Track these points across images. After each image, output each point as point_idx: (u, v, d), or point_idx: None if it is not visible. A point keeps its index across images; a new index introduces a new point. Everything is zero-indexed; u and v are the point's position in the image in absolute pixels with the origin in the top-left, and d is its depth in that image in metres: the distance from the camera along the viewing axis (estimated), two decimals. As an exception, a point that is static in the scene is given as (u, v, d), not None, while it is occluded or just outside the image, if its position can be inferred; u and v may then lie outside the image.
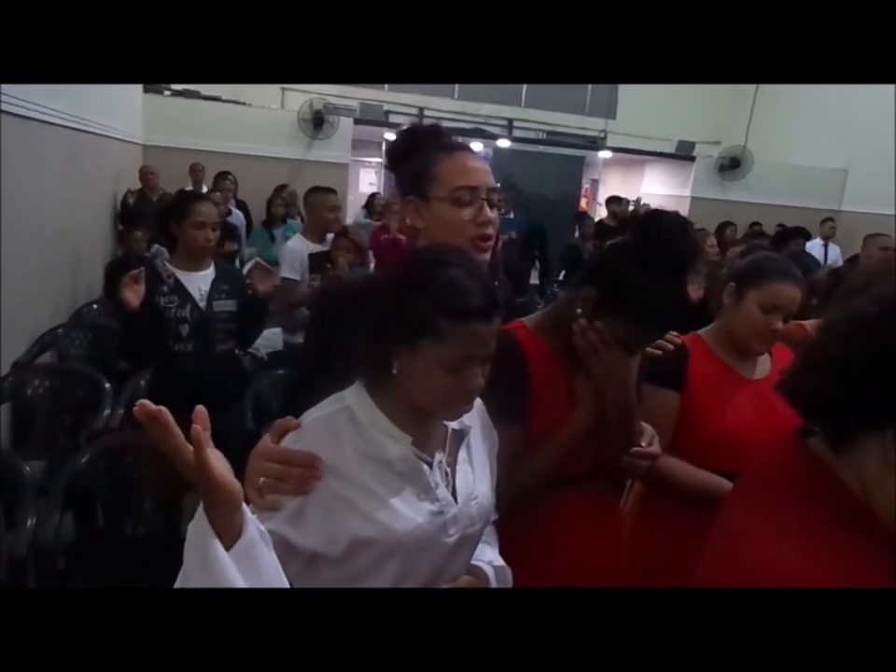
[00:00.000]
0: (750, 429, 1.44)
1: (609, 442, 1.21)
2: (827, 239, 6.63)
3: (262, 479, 0.89)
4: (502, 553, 1.11)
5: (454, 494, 0.98)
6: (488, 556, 1.07)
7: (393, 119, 9.18)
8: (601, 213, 10.11)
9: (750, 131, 9.05)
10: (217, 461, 0.67)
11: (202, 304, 2.32)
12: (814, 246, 6.43)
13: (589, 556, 1.24)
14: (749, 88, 9.01)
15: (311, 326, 1.26)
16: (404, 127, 1.28)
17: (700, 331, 1.61)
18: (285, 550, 0.84)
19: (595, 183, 10.60)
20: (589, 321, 1.15)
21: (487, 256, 1.16)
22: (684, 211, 8.08)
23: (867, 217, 7.65)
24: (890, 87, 7.04)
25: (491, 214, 1.14)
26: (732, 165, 8.57)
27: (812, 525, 0.60)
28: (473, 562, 1.04)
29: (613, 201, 6.65)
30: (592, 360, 1.16)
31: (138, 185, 5.51)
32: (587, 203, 10.16)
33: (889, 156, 7.36)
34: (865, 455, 0.61)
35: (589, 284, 1.15)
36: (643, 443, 1.24)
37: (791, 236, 4.83)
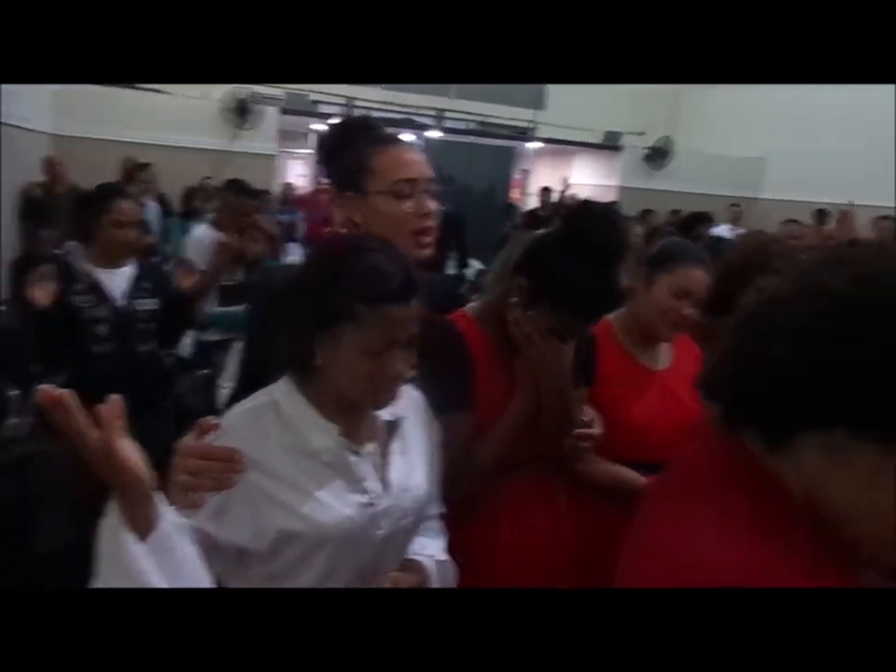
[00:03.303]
0: (659, 421, 1.44)
1: (547, 427, 1.23)
2: (734, 223, 6.81)
3: (181, 476, 0.87)
4: (449, 542, 1.11)
5: (387, 486, 0.97)
6: (430, 550, 1.06)
7: (321, 109, 9.00)
8: (532, 203, 10.24)
9: (674, 121, 9.30)
10: (127, 446, 0.65)
11: (121, 303, 2.20)
12: (724, 231, 6.65)
13: (533, 540, 1.26)
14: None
15: (250, 328, 1.25)
16: (335, 120, 1.28)
17: (609, 317, 1.57)
18: (209, 547, 0.83)
19: (525, 173, 10.69)
20: (522, 310, 1.16)
21: (428, 249, 1.16)
22: (612, 199, 8.27)
23: (783, 203, 8.01)
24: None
25: (431, 205, 1.14)
26: (657, 155, 8.80)
27: (740, 517, 0.57)
28: (414, 556, 1.03)
29: (544, 191, 6.74)
30: (526, 348, 1.18)
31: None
32: (518, 193, 10.24)
33: (804, 144, 7.71)
34: (807, 453, 0.56)
35: (522, 273, 1.17)
36: (586, 428, 1.28)
37: (700, 221, 5.01)
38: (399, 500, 0.98)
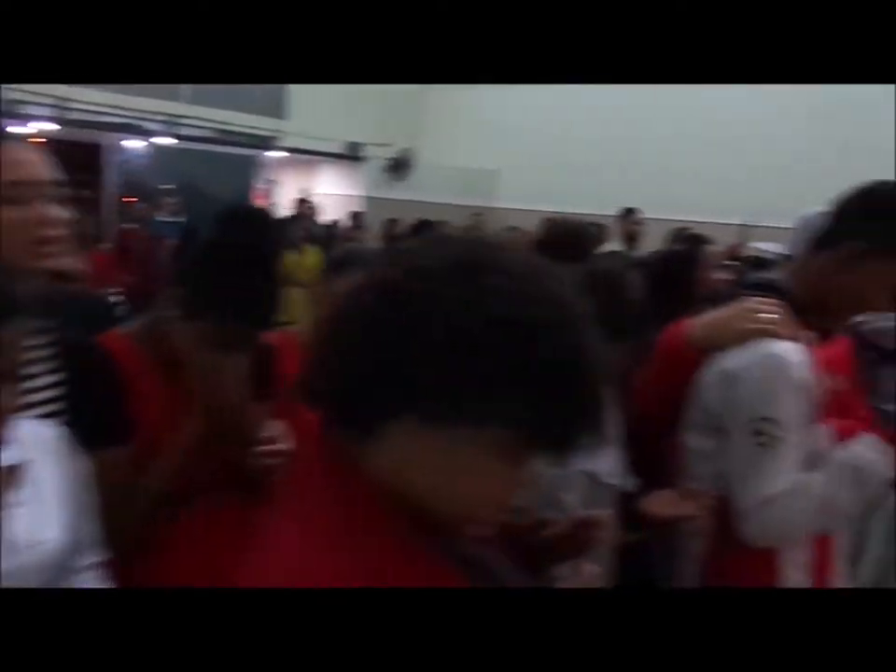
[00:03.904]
0: None
1: (224, 447, 1.16)
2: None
3: None
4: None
5: (8, 544, 0.84)
6: None
7: (28, 110, 7.92)
8: (281, 213, 10.08)
9: (418, 133, 9.76)
10: None
11: None
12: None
13: (221, 573, 1.16)
14: (417, 92, 9.69)
15: None
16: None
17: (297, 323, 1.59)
18: None
19: (271, 183, 10.48)
20: (181, 323, 1.10)
21: (53, 262, 1.02)
22: (357, 209, 8.44)
23: (515, 212, 8.79)
24: (537, 94, 8.20)
25: (53, 212, 1.01)
26: (398, 166, 9.17)
27: (332, 515, 0.58)
28: None
29: (301, 202, 6.79)
30: (187, 364, 1.12)
31: None
32: (266, 203, 10.00)
33: (535, 157, 8.55)
34: (388, 443, 0.59)
35: (179, 285, 1.11)
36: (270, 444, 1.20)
37: (425, 228, 5.38)
38: (28, 557, 0.86)
